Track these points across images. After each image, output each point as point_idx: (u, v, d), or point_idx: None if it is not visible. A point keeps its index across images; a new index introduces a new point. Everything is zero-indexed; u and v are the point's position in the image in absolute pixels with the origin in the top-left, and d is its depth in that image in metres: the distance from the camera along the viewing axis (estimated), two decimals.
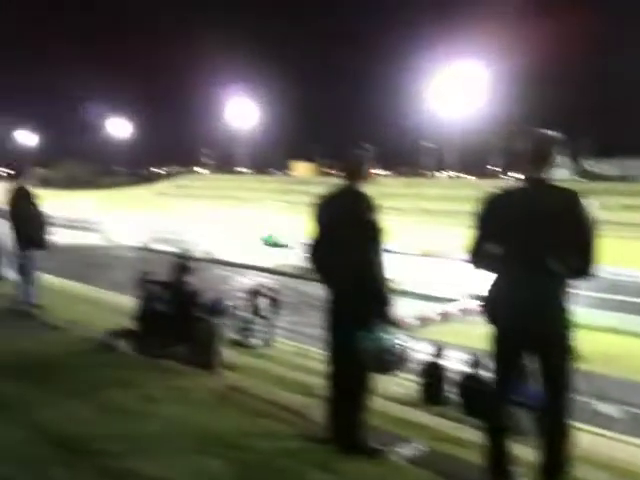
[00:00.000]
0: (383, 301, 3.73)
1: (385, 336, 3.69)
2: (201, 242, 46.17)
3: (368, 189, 3.96)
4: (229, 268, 40.65)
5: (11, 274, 10.02)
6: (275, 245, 49.96)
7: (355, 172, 3.94)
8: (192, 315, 5.85)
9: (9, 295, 8.08)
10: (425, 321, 25.87)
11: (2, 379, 4.93)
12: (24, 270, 7.50)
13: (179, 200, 71.80)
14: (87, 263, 36.51)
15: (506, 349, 3.37)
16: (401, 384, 8.45)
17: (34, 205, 7.37)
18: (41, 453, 3.64)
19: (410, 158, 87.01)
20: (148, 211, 65.43)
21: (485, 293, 3.48)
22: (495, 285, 3.40)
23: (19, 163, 8.27)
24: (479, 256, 3.38)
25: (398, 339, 3.74)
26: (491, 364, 3.48)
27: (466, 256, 3.41)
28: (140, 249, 48.65)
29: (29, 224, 7.25)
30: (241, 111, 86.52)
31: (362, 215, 3.75)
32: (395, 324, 3.77)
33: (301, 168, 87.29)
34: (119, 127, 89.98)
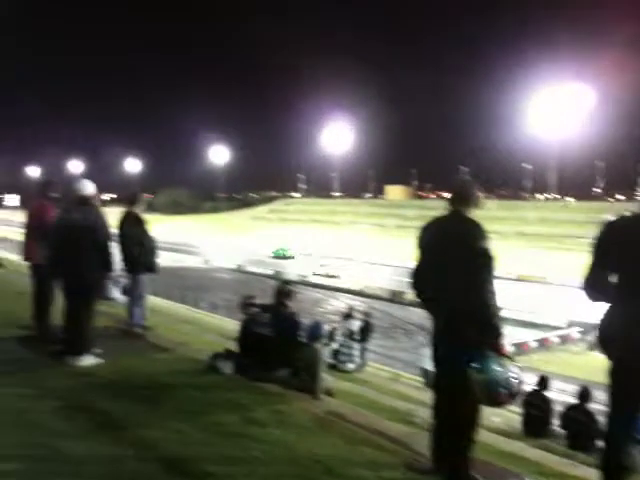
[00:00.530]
0: (494, 331, 3.63)
1: (497, 368, 3.56)
2: (295, 266, 46.76)
3: (473, 214, 3.89)
4: (321, 291, 40.85)
5: (118, 295, 10.50)
6: (284, 257, 57.23)
7: (463, 198, 3.87)
8: (293, 339, 5.92)
9: (117, 316, 8.46)
10: (522, 348, 24.99)
11: (112, 398, 5.15)
12: (133, 292, 7.83)
13: (274, 224, 73.19)
14: (187, 285, 37.79)
15: (623, 381, 3.19)
16: (500, 414, 8.17)
17: (144, 230, 7.70)
18: (150, 472, 3.77)
19: (509, 180, 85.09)
20: (244, 235, 67.08)
21: (597, 321, 3.32)
22: (611, 314, 3.24)
23: (131, 190, 8.75)
24: (596, 284, 3.23)
25: (511, 371, 3.60)
26: (605, 396, 3.31)
27: (581, 285, 3.27)
28: (236, 271, 49.82)
29: (139, 248, 7.57)
30: (336, 136, 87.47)
31: (473, 242, 3.67)
32: (507, 355, 3.64)
33: (394, 191, 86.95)
34: (219, 154, 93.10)
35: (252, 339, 6.07)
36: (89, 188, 6.44)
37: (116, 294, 9.46)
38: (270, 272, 45.75)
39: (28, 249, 7.31)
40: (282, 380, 5.80)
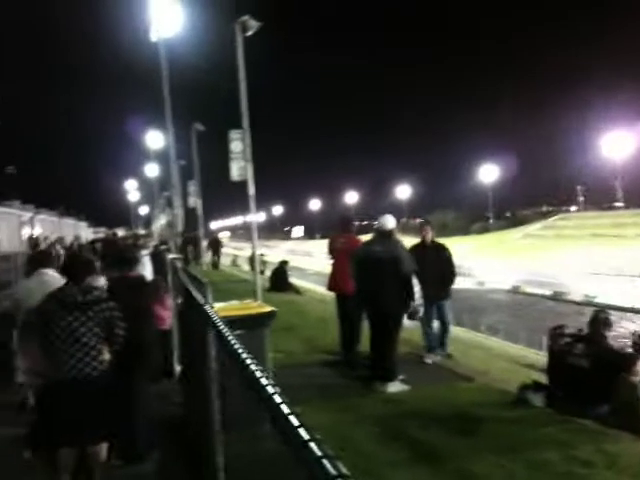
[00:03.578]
0: None
1: None
2: (576, 285, 43.74)
3: None
4: (611, 312, 37.41)
5: (411, 322, 10.71)
6: None
7: None
8: (611, 372, 5.44)
9: (413, 342, 8.62)
10: None
11: (424, 427, 5.23)
12: (430, 320, 7.85)
13: (549, 241, 69.49)
14: (462, 307, 37.47)
15: None
16: None
17: (438, 257, 7.73)
18: None
19: None
20: (517, 254, 64.77)
21: None
22: None
23: (421, 219, 8.96)
24: None
25: None
26: None
27: None
28: (511, 292, 48.15)
29: (438, 276, 7.59)
30: (618, 144, 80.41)
31: None
32: None
33: None
34: (489, 173, 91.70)
35: (565, 371, 5.73)
36: (390, 222, 6.74)
37: (409, 321, 9.73)
38: (548, 293, 43.37)
39: (334, 280, 7.84)
40: (600, 416, 5.36)
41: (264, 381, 1.37)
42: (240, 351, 1.71)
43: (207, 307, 2.64)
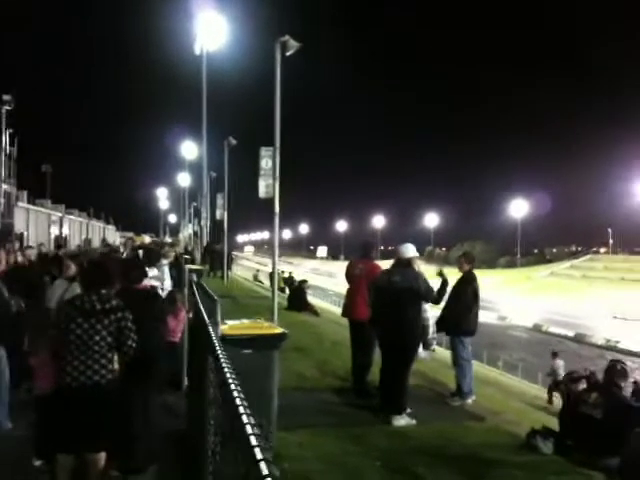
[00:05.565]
0: None
1: None
2: (600, 328, 43.05)
3: None
4: (635, 359, 36.70)
5: (423, 353, 10.57)
6: None
7: None
8: (625, 426, 5.28)
9: (424, 374, 8.46)
10: None
11: (429, 464, 5.10)
12: (455, 356, 7.57)
13: (575, 282, 68.53)
14: (480, 342, 36.89)
15: None
16: None
17: (464, 289, 7.51)
18: None
19: None
20: (542, 292, 63.94)
21: None
22: None
23: (464, 250, 8.82)
24: None
25: None
26: None
27: None
28: (533, 330, 47.49)
29: (457, 309, 7.41)
30: None
31: None
32: None
33: None
34: (518, 208, 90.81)
35: (577, 419, 5.58)
36: (410, 251, 6.65)
37: (423, 351, 9.59)
38: (571, 334, 42.65)
39: (349, 306, 7.75)
40: (609, 469, 5.20)
41: (245, 419, 1.36)
42: (228, 375, 1.70)
43: (210, 328, 2.61)
